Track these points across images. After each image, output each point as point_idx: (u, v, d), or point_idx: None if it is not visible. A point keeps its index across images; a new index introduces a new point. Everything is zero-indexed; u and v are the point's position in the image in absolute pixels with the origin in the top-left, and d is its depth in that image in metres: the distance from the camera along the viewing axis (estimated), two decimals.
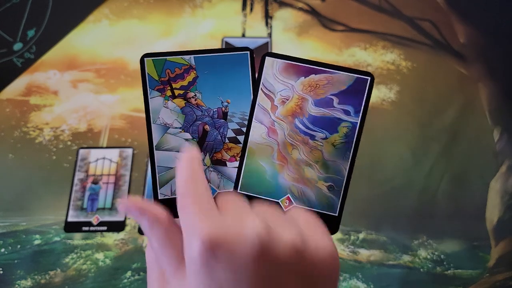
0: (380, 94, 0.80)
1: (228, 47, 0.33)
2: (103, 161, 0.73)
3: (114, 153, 0.74)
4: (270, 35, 0.86)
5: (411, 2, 0.90)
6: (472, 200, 0.72)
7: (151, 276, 0.29)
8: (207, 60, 0.33)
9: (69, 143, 0.76)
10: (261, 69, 0.33)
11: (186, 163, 0.28)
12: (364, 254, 0.67)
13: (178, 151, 0.33)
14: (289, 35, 0.86)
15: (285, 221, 0.27)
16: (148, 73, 0.33)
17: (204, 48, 0.34)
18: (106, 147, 0.75)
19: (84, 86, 0.81)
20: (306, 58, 0.32)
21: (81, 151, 0.74)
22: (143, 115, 0.33)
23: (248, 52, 0.33)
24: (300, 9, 0.89)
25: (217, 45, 0.84)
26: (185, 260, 0.25)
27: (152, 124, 0.33)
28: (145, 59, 0.33)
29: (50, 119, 0.78)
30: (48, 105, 0.79)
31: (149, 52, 0.33)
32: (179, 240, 0.26)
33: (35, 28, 0.86)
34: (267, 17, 0.88)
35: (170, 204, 0.32)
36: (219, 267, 0.23)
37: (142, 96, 0.32)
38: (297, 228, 0.26)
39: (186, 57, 0.33)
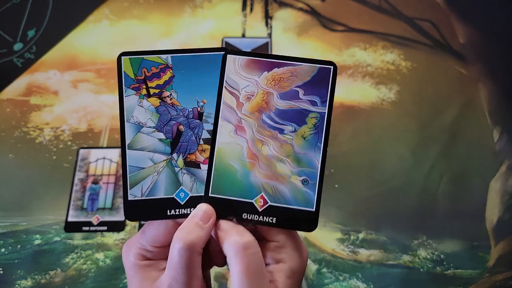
0: (380, 94, 0.80)
1: (205, 48, 0.33)
2: (103, 161, 0.73)
3: (114, 153, 0.74)
4: (270, 35, 0.86)
5: (411, 2, 0.90)
6: (472, 200, 0.72)
7: (132, 283, 0.29)
8: (184, 59, 0.32)
9: (69, 143, 0.76)
10: (223, 67, 0.32)
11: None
12: (364, 254, 0.67)
13: (150, 151, 0.32)
14: (289, 35, 0.86)
15: None
16: (124, 72, 0.33)
17: (180, 48, 0.33)
18: (106, 147, 0.75)
19: (84, 86, 0.81)
20: (266, 53, 0.32)
21: (81, 151, 0.74)
22: None
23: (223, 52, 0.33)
24: (300, 9, 0.89)
25: (217, 45, 0.85)
26: None
27: (125, 123, 0.32)
28: (122, 57, 0.33)
29: (50, 119, 0.78)
30: (48, 105, 0.79)
31: (127, 50, 0.33)
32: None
33: (35, 28, 0.86)
34: (267, 17, 0.88)
35: (140, 206, 0.31)
36: None
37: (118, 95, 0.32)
38: None
39: (163, 56, 0.32)
